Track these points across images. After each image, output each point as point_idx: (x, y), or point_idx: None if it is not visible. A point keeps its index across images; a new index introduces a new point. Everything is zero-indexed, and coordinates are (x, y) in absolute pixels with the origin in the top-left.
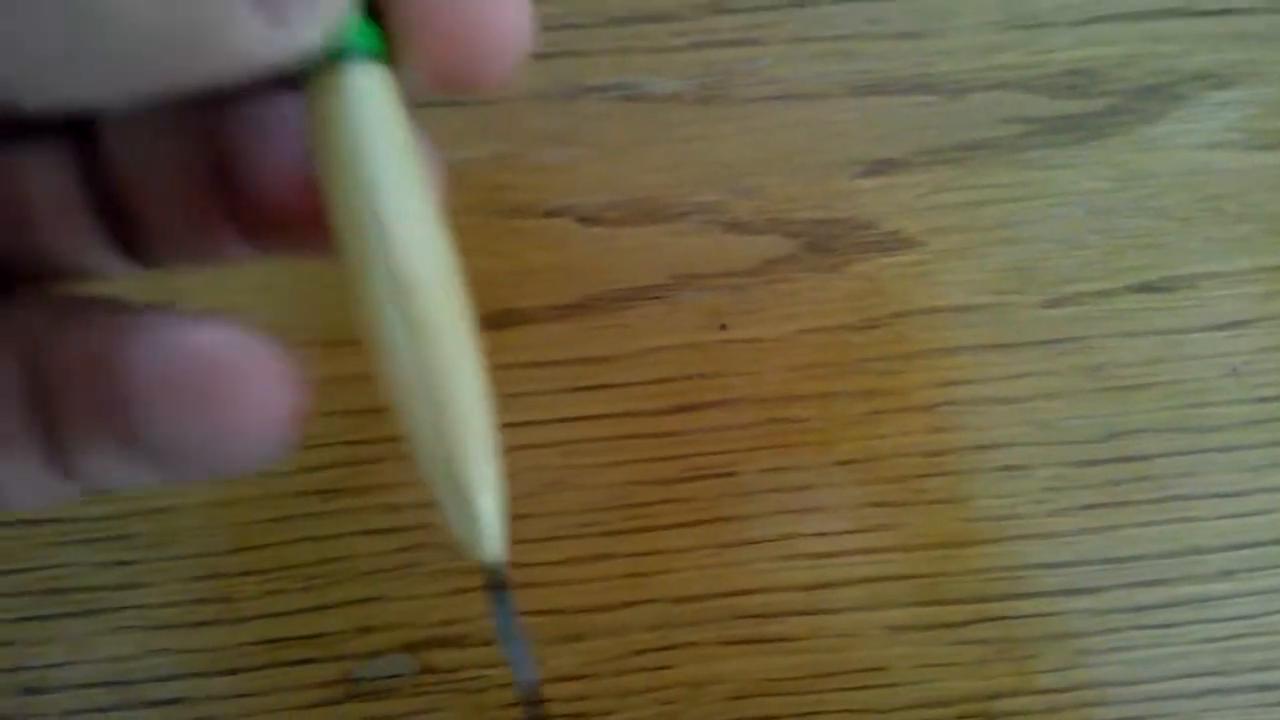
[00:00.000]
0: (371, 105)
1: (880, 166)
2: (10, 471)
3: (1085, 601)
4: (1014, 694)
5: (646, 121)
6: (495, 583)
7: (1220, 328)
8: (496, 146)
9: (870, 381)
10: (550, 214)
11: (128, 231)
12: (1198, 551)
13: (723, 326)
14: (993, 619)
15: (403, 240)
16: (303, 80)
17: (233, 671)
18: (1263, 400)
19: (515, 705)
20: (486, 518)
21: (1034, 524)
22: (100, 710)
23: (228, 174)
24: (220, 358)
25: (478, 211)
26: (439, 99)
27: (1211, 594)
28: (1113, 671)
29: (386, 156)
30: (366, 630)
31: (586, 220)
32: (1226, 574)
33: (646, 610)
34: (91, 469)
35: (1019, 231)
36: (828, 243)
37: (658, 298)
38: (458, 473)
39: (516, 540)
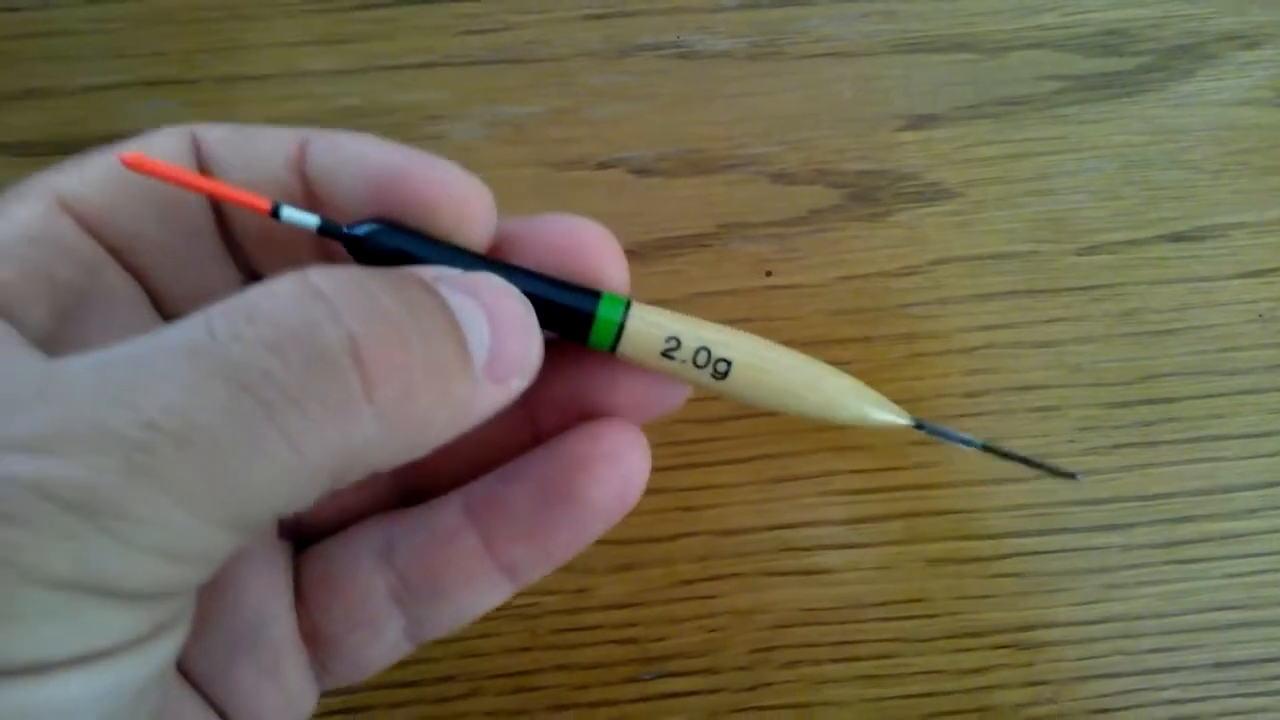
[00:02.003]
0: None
1: (922, 121)
2: (377, 643)
3: (1116, 537)
4: (1046, 626)
5: (698, 77)
6: (920, 424)
7: (1248, 275)
8: (554, 102)
9: (910, 325)
10: (604, 165)
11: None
12: (1225, 490)
13: (768, 273)
14: (1026, 553)
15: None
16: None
17: None
18: None
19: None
20: (884, 411)
21: (1067, 462)
22: None
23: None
24: None
25: (535, 164)
26: (502, 57)
27: (1239, 531)
28: (1142, 605)
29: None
30: None
31: (639, 171)
32: (1253, 511)
33: (694, 542)
34: (428, 630)
35: (1054, 183)
36: (871, 193)
37: (707, 245)
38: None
39: None
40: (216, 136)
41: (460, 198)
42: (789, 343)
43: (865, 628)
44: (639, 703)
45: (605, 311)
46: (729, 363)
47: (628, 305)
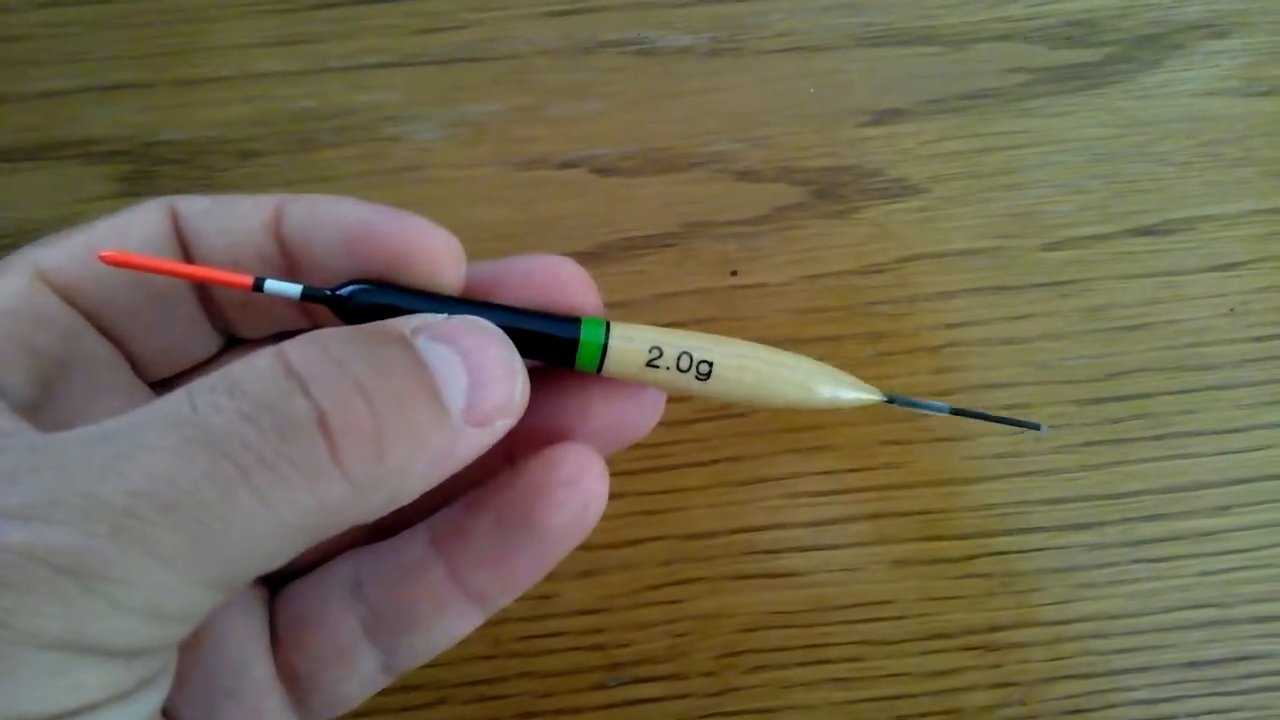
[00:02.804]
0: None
1: (886, 115)
2: (352, 678)
3: (1086, 536)
4: (1016, 626)
5: (660, 74)
6: (891, 399)
7: (1218, 269)
8: (514, 100)
9: (876, 324)
10: (566, 165)
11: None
12: (1196, 487)
13: (733, 272)
14: (995, 553)
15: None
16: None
17: None
18: (1259, 339)
19: None
20: (856, 390)
21: (1036, 461)
22: None
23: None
24: None
25: (496, 163)
26: (460, 55)
27: (1210, 528)
28: (1113, 605)
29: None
30: None
31: (601, 170)
32: (1224, 509)
33: (659, 547)
34: (403, 662)
35: (1021, 177)
36: (835, 190)
37: (670, 245)
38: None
39: None
40: (197, 209)
41: (429, 247)
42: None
43: (833, 630)
44: (605, 709)
45: (588, 335)
46: (710, 364)
47: (608, 326)
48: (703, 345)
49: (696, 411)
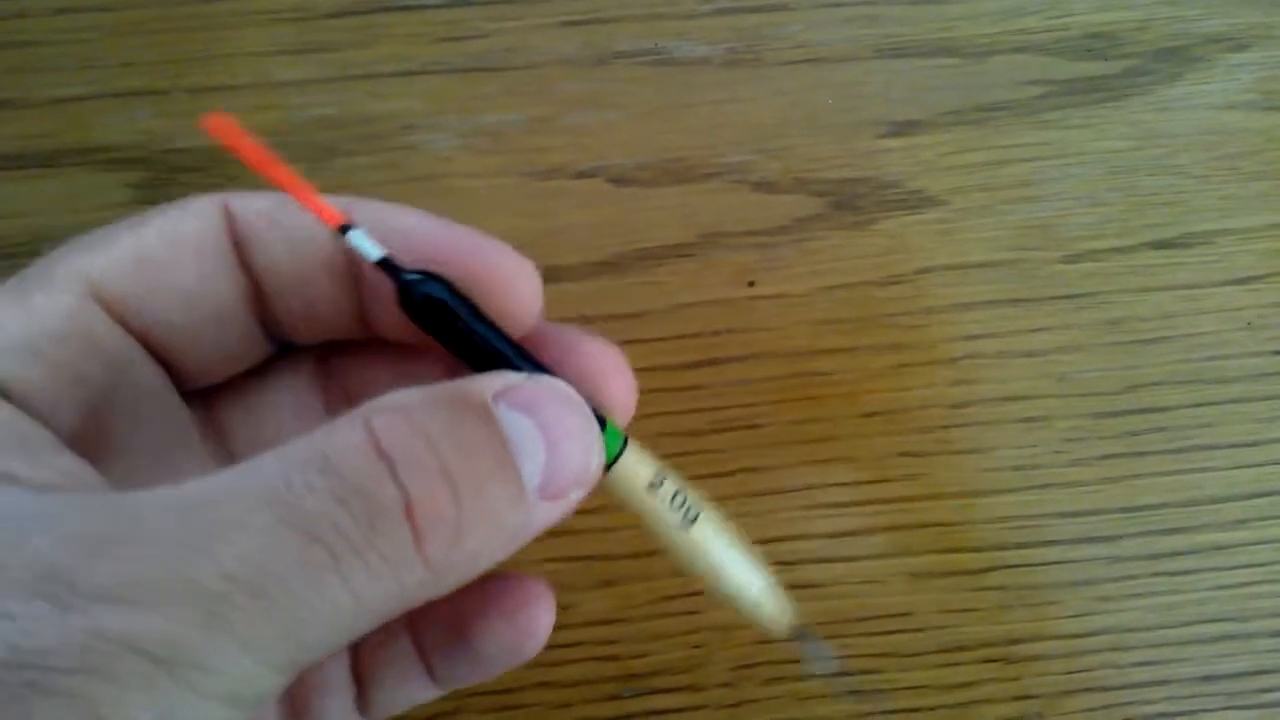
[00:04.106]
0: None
1: (904, 127)
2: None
3: (1103, 549)
4: (1033, 639)
5: (676, 85)
6: (799, 633)
7: (1236, 282)
8: (531, 110)
9: (894, 336)
10: (583, 175)
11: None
12: (1213, 500)
13: (751, 283)
14: (1013, 566)
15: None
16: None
17: None
18: (1277, 353)
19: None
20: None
21: (1054, 473)
22: None
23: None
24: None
25: (513, 173)
26: (478, 65)
27: (1227, 542)
28: (1130, 618)
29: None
30: None
31: (618, 181)
32: (1241, 522)
33: None
34: (386, 701)
35: (1039, 190)
36: (853, 201)
37: (688, 255)
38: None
39: None
40: (256, 210)
41: (507, 276)
42: (773, 354)
43: (851, 643)
44: None
45: (607, 440)
46: (698, 515)
47: (626, 440)
48: (697, 496)
49: (713, 423)
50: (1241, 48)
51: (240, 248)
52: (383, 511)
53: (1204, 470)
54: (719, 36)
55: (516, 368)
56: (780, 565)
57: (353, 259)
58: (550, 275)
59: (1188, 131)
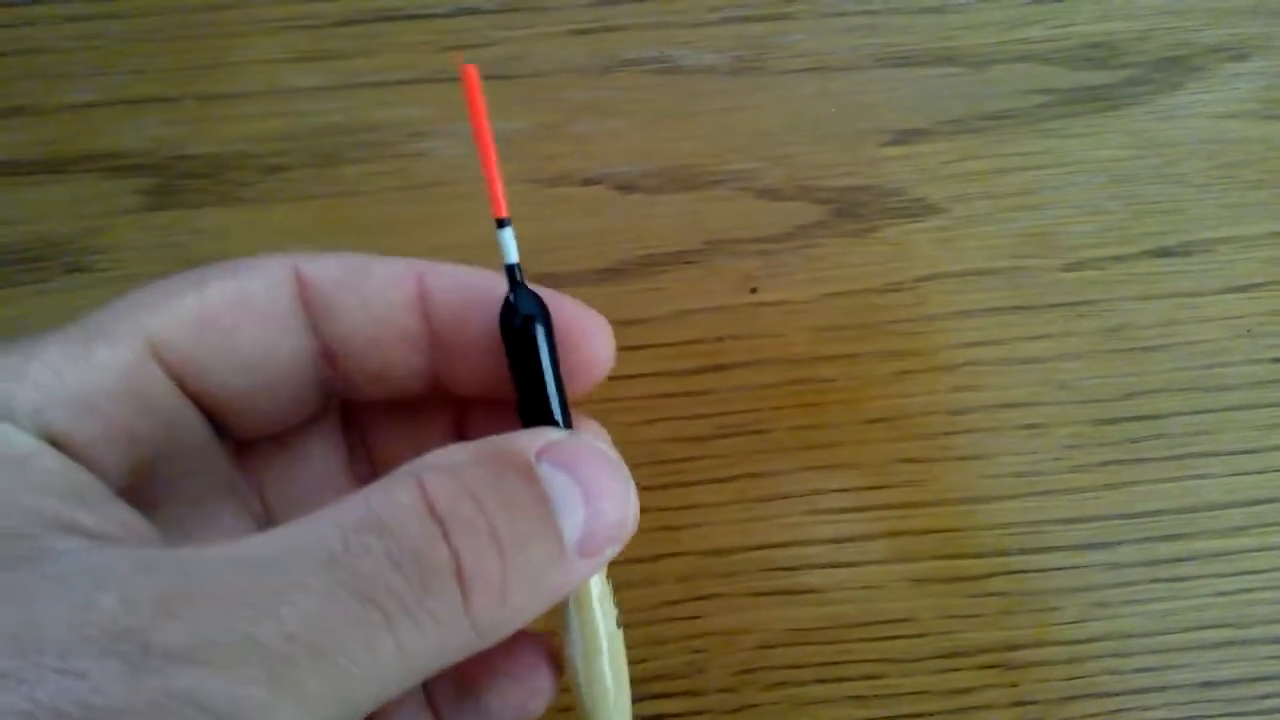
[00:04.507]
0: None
1: (906, 135)
2: None
3: (1103, 555)
4: (1033, 645)
5: (681, 93)
6: None
7: (1236, 290)
8: (538, 118)
9: (895, 343)
10: (589, 182)
11: None
12: (1212, 507)
13: (753, 290)
14: (1013, 572)
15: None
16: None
17: None
18: (1276, 360)
19: None
20: None
21: (1054, 480)
22: None
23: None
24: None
25: (520, 180)
26: (486, 73)
27: (1226, 549)
28: (1129, 624)
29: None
30: None
31: (623, 188)
32: (1241, 529)
33: (678, 563)
34: None
35: (1040, 198)
36: (855, 209)
37: (691, 262)
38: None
39: None
40: (331, 277)
41: (582, 331)
42: (776, 361)
43: (851, 648)
44: None
45: None
46: (619, 629)
47: None
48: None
49: (716, 428)
50: (1241, 57)
51: (313, 312)
52: (435, 573)
53: (1203, 477)
54: (725, 45)
55: (562, 415)
56: (782, 570)
57: (436, 334)
58: (554, 281)
59: (1188, 140)
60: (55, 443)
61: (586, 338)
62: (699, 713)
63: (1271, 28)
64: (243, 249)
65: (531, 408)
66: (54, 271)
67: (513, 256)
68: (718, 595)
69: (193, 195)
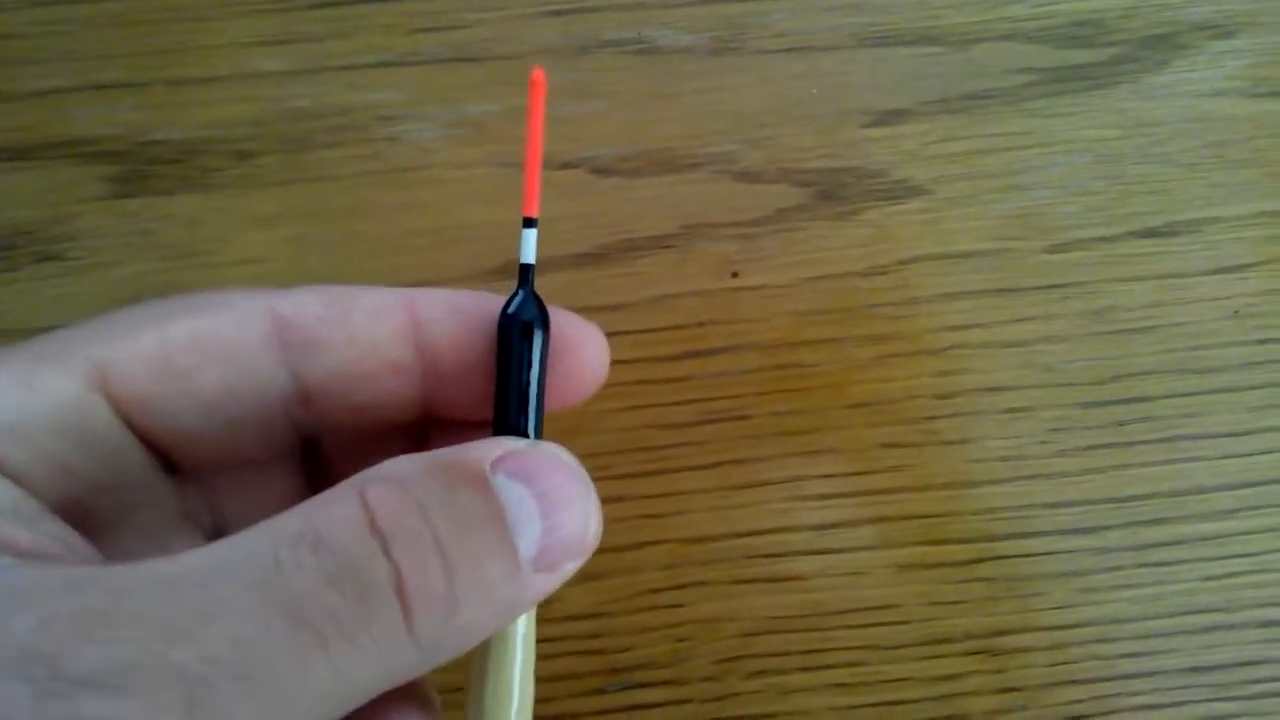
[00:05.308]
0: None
1: (888, 116)
2: None
3: (1089, 540)
4: (1019, 631)
5: (659, 74)
6: None
7: (1223, 271)
8: (513, 101)
9: (878, 326)
10: (566, 165)
11: None
12: (1200, 490)
13: (734, 274)
14: (998, 558)
15: None
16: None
17: None
18: (1263, 342)
19: None
20: None
21: (1039, 464)
22: None
23: None
24: None
25: (495, 164)
26: (459, 55)
27: (1214, 532)
28: (1116, 609)
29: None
30: None
31: (601, 171)
32: (1228, 512)
33: (660, 550)
34: None
35: (1024, 179)
36: (837, 191)
37: (670, 246)
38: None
39: None
40: (313, 315)
41: (576, 345)
42: (757, 346)
43: (835, 635)
44: (604, 715)
45: None
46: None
47: None
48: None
49: (698, 414)
50: (1228, 35)
51: (292, 353)
52: (373, 590)
53: (1191, 460)
54: (702, 25)
55: (534, 427)
56: (765, 558)
57: (430, 364)
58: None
59: (1174, 119)
60: None
61: (580, 350)
62: (682, 702)
63: (1258, 4)
64: (215, 235)
65: (504, 416)
66: (23, 260)
67: (530, 257)
68: (700, 583)
69: (163, 181)
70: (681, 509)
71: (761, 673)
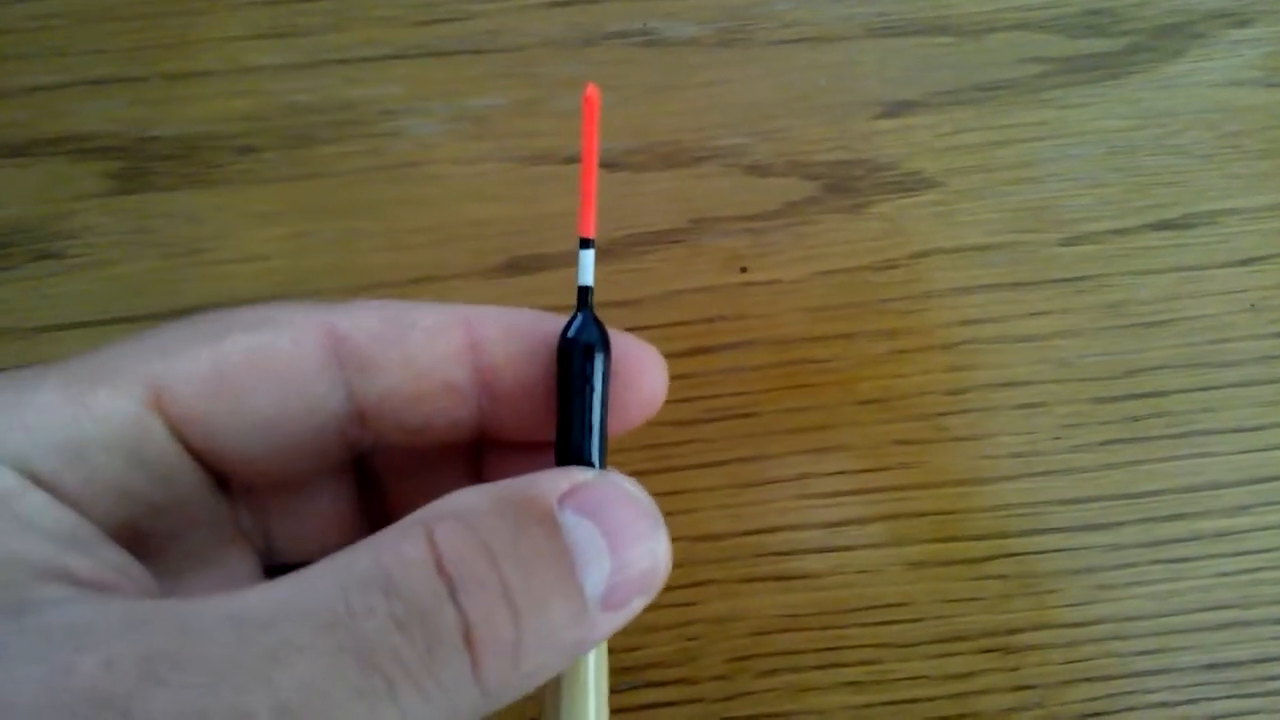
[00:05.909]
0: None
1: (899, 108)
2: None
3: (1104, 537)
4: (1034, 629)
5: (666, 66)
6: None
7: (1240, 263)
8: (519, 94)
9: (890, 321)
10: (571, 160)
11: None
12: (1215, 486)
13: (743, 269)
14: (1012, 555)
15: None
16: None
17: None
18: None
19: None
20: None
21: (1053, 460)
22: None
23: None
24: None
25: (499, 159)
26: (461, 48)
27: (1229, 528)
28: (1131, 606)
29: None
30: None
31: (608, 166)
32: (1244, 508)
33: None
34: None
35: (1037, 171)
36: (848, 184)
37: (679, 241)
38: None
39: None
40: (369, 333)
41: (635, 367)
42: (767, 342)
43: (848, 633)
44: (615, 714)
45: None
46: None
47: None
48: None
49: (706, 412)
50: (1244, 23)
51: (349, 371)
52: (442, 638)
53: (1206, 455)
54: (709, 16)
55: (599, 454)
56: (775, 556)
57: (489, 385)
58: (538, 263)
59: (1190, 109)
60: (41, 487)
61: (640, 373)
62: (693, 701)
63: None
64: (216, 232)
65: (568, 443)
66: (21, 258)
67: (588, 279)
68: (710, 581)
69: (162, 178)
70: (691, 507)
71: (773, 671)
